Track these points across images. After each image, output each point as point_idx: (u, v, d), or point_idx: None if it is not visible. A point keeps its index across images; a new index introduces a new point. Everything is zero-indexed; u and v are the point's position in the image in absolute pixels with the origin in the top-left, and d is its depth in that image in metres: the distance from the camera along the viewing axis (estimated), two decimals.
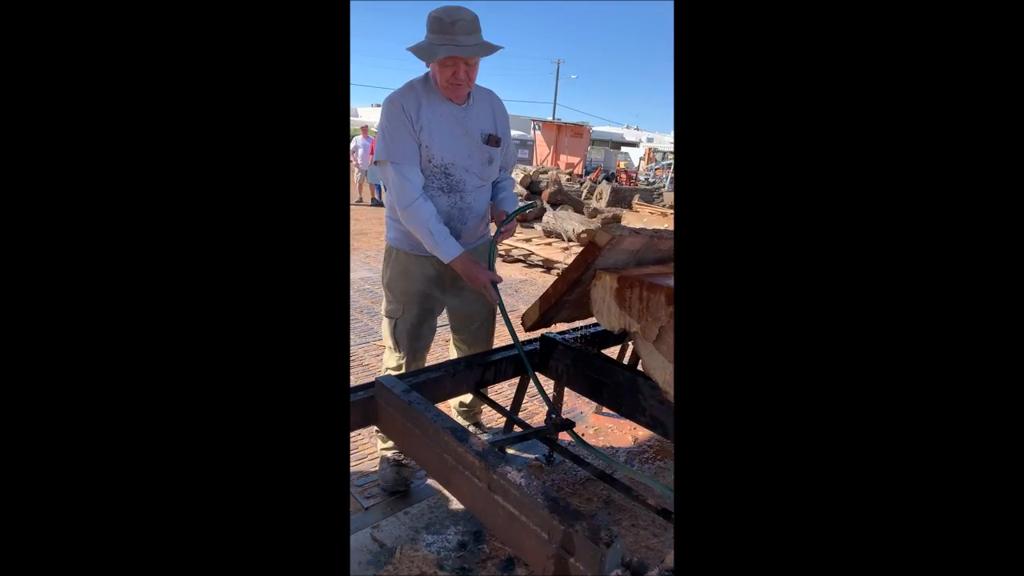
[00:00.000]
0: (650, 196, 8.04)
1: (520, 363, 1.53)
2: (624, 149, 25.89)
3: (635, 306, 1.22)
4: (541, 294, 1.47)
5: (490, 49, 1.37)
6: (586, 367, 1.47)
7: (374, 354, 2.73)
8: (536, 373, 1.56)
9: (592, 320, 1.82)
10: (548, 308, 1.48)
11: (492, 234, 1.61)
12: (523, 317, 1.56)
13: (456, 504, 1.58)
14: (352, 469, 1.75)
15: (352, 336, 2.98)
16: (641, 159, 23.43)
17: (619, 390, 1.39)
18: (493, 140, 1.51)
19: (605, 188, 7.35)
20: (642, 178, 18.31)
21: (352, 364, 2.60)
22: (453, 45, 1.32)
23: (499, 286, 1.51)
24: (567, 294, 1.44)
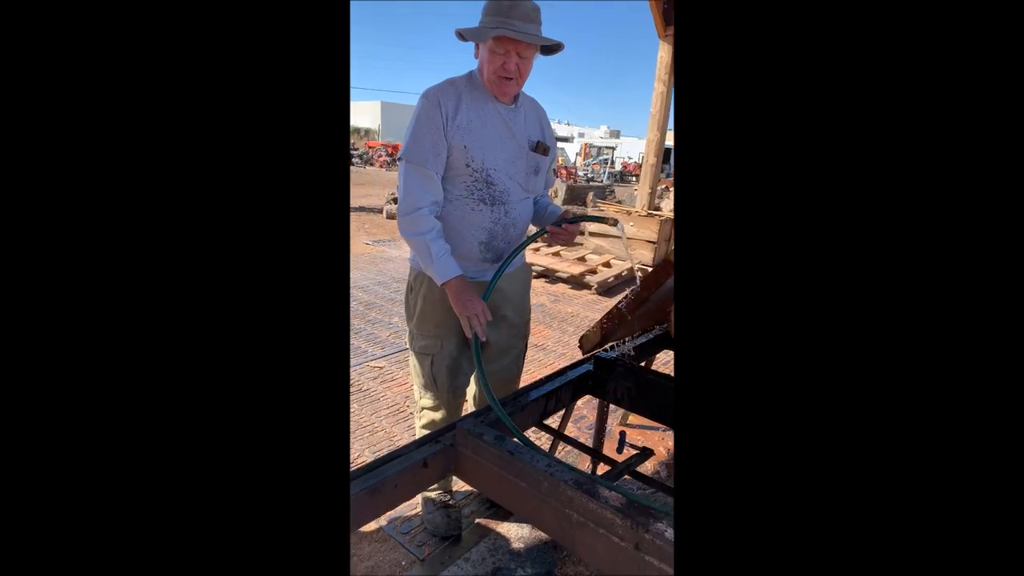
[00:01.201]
0: (603, 193, 8.14)
1: (579, 386, 1.45)
2: (560, 145, 26.24)
3: None
4: (602, 316, 1.40)
5: (547, 43, 1.24)
6: (651, 390, 1.41)
7: (371, 377, 2.56)
8: (592, 396, 1.49)
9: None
10: (611, 330, 1.41)
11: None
12: (582, 340, 1.48)
13: (517, 542, 1.48)
14: (391, 515, 1.60)
15: None
16: (577, 155, 23.83)
17: None
18: (541, 147, 1.38)
19: (560, 186, 7.36)
20: (581, 173, 18.63)
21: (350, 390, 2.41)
22: (506, 28, 1.18)
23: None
24: (632, 314, 1.38)
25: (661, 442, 2.09)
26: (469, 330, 1.27)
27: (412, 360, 1.52)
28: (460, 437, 1.11)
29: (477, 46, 1.27)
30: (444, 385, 1.47)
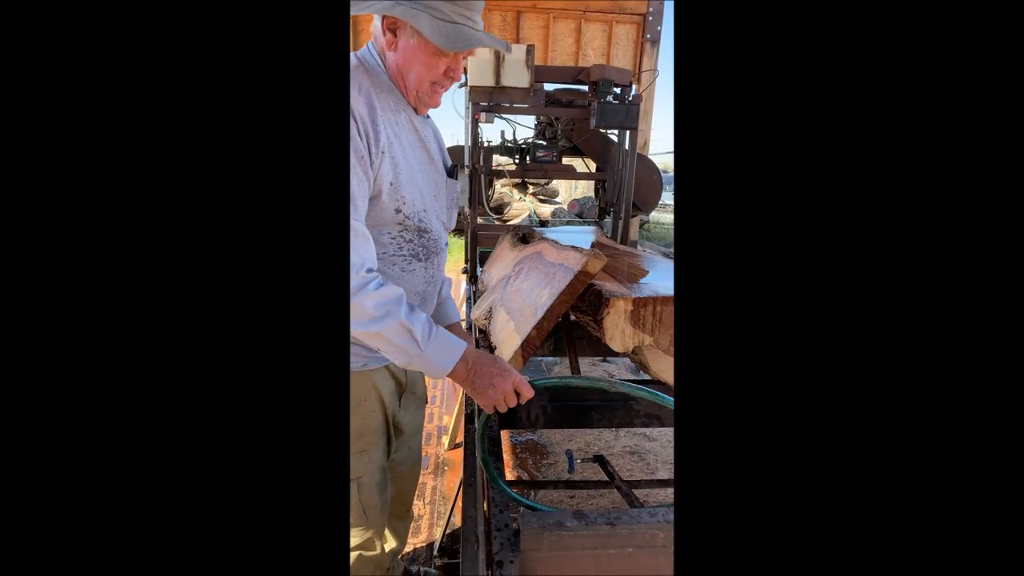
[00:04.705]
0: None
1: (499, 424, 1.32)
2: None
3: (649, 322, 1.30)
4: (523, 340, 1.29)
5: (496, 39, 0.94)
6: (568, 399, 1.42)
7: None
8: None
9: None
10: (533, 351, 1.32)
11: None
12: None
13: None
14: None
15: None
16: None
17: (611, 407, 1.43)
18: (455, 172, 1.07)
19: None
20: None
21: None
22: (474, 29, 0.86)
23: None
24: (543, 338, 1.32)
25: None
26: (495, 408, 0.93)
27: None
28: (530, 541, 0.86)
29: (384, 25, 0.87)
30: (377, 509, 1.10)
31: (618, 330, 1.31)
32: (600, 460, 1.42)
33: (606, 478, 1.41)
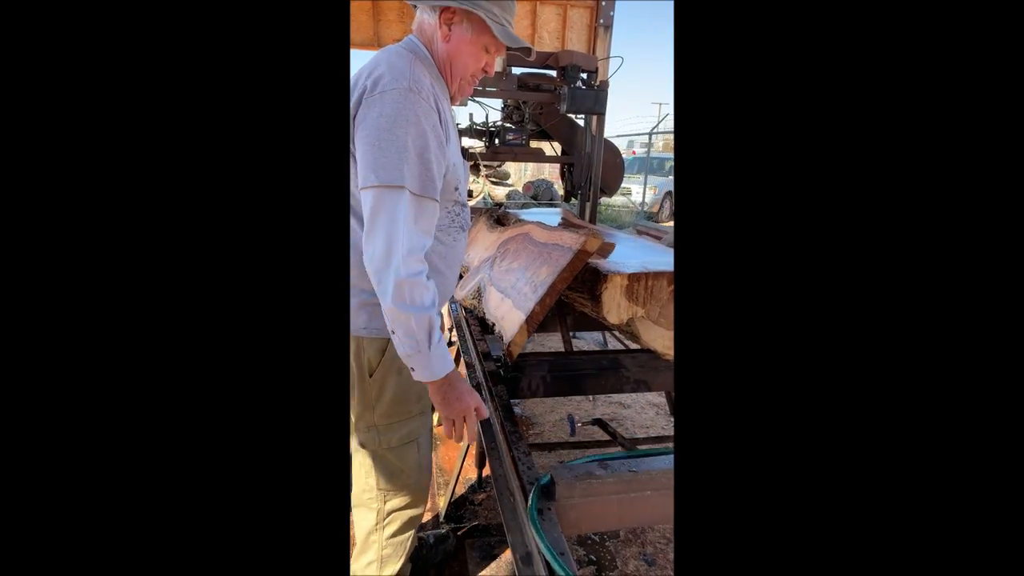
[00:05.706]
0: None
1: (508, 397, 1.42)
2: None
3: (641, 295, 1.42)
4: (527, 316, 1.38)
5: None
6: (565, 369, 1.52)
7: None
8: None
9: None
10: (536, 325, 1.41)
11: None
12: (511, 347, 1.41)
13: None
14: None
15: None
16: None
17: (603, 374, 1.55)
18: (464, 150, 1.20)
19: None
20: None
21: None
22: (512, 27, 0.98)
23: None
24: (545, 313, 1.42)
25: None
26: (472, 434, 1.01)
27: (377, 463, 1.13)
28: (564, 490, 0.97)
29: (441, 19, 0.96)
30: (427, 468, 1.19)
31: (615, 303, 1.43)
32: (599, 422, 1.54)
33: (606, 438, 1.53)
